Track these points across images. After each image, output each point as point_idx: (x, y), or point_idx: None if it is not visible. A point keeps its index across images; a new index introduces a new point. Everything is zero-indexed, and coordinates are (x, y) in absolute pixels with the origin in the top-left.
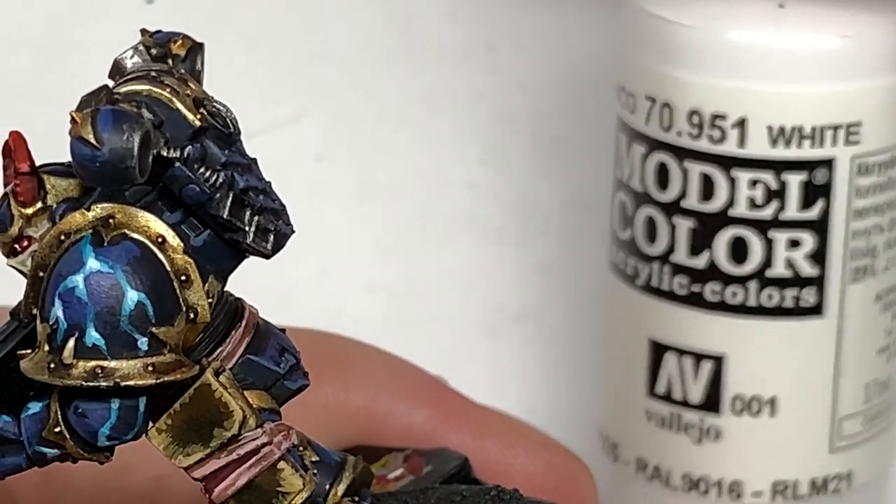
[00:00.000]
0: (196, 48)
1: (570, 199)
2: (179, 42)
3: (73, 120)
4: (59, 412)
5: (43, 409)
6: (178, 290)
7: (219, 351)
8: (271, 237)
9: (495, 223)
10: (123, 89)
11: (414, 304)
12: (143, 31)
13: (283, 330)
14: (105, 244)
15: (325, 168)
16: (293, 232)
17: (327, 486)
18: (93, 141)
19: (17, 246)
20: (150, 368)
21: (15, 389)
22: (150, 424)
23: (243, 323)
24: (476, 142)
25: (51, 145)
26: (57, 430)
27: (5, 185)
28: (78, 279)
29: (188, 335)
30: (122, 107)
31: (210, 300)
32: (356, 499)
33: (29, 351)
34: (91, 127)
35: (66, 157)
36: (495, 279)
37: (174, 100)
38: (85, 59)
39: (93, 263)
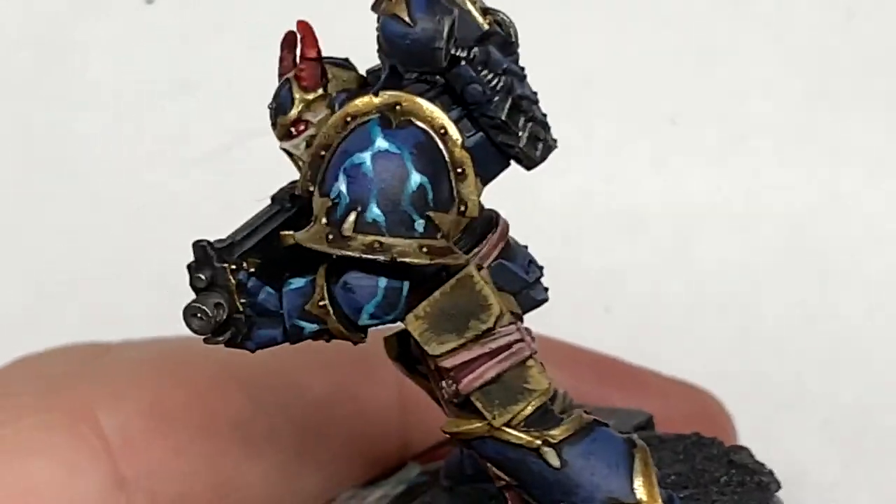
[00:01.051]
0: None
1: (571, 198)
2: None
3: (388, 0)
4: (325, 287)
5: (307, 283)
6: (453, 181)
7: (476, 250)
8: (540, 146)
9: None
10: None
11: None
12: None
13: (525, 246)
14: (393, 127)
15: None
16: (557, 146)
17: None
18: (406, 19)
19: (293, 129)
20: (424, 249)
21: (274, 266)
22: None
23: (499, 228)
24: None
25: (51, 145)
26: (321, 303)
27: (281, 76)
28: (365, 156)
29: (453, 227)
30: None
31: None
32: (587, 412)
33: (291, 232)
34: (405, 5)
35: (66, 156)
36: None
37: (466, 1)
38: (85, 59)
39: (381, 143)
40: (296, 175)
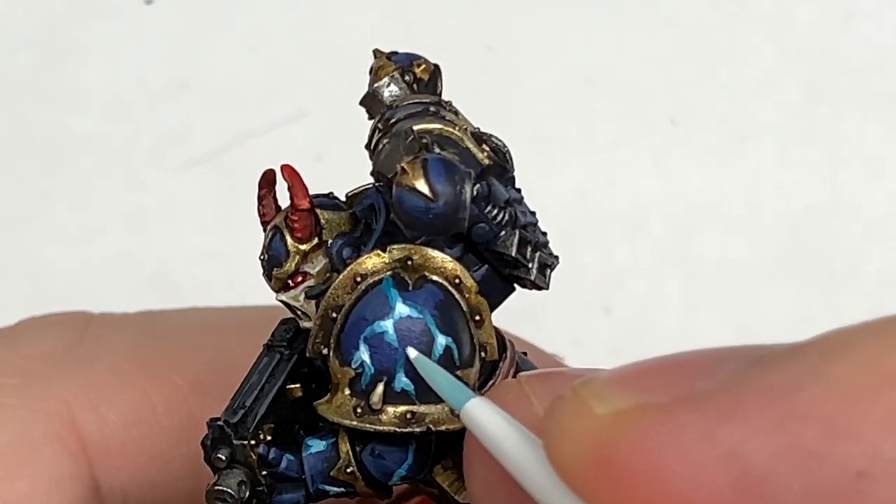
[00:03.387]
0: (436, 71)
1: (570, 198)
2: (423, 66)
3: (402, 170)
4: (350, 453)
5: (329, 447)
6: (472, 331)
7: (490, 383)
8: (548, 272)
9: None
10: (416, 127)
11: None
12: (377, 53)
13: (524, 353)
14: (410, 288)
15: (325, 168)
16: (558, 263)
17: None
18: (427, 193)
19: (290, 281)
20: (456, 412)
21: (285, 424)
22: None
23: (507, 354)
24: None
25: (50, 145)
26: (349, 470)
27: (263, 216)
28: (387, 325)
29: (477, 377)
30: (447, 155)
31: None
32: None
33: (297, 385)
34: (424, 178)
35: (66, 156)
36: None
37: (463, 138)
38: (85, 59)
39: (402, 308)
40: (286, 313)
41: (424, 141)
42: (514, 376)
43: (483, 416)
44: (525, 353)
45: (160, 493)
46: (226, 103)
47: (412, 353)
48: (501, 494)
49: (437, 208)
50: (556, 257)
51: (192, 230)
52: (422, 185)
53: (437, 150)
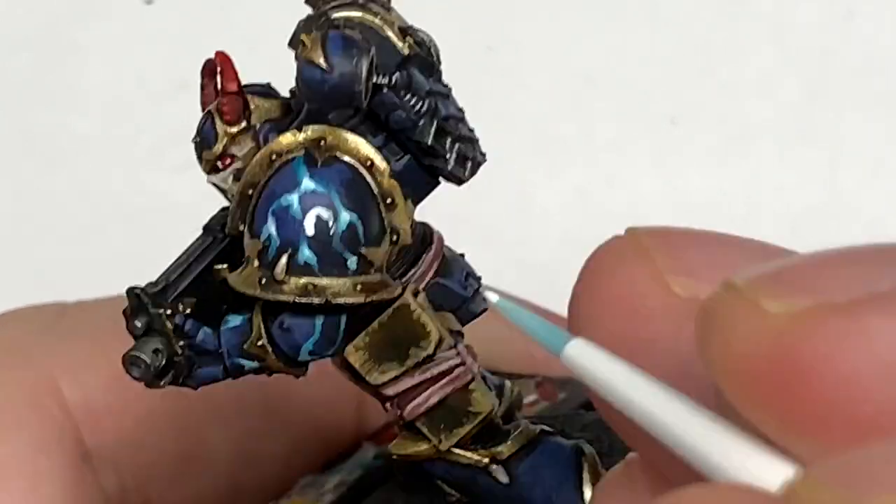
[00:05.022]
0: None
1: (570, 198)
2: None
3: (301, 43)
4: (262, 326)
5: (244, 322)
6: (383, 213)
7: (411, 273)
8: (468, 164)
9: (496, 223)
10: (336, 14)
11: None
12: None
13: (461, 255)
14: (319, 165)
15: None
16: (485, 160)
17: None
18: (323, 64)
19: (219, 163)
20: (358, 287)
21: (210, 302)
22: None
23: (433, 247)
24: None
25: (49, 145)
26: (259, 343)
27: (204, 104)
28: (293, 198)
29: (386, 258)
30: (349, 32)
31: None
32: (534, 422)
33: (225, 266)
34: (321, 51)
35: (66, 156)
36: (495, 279)
37: (384, 27)
38: (85, 59)
39: (308, 183)
40: (225, 202)
41: (336, 23)
42: (439, 270)
43: (590, 357)
44: (462, 255)
45: (150, 455)
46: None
47: (493, 297)
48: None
49: (332, 79)
50: (483, 154)
51: (192, 230)
52: (319, 57)
53: (346, 30)
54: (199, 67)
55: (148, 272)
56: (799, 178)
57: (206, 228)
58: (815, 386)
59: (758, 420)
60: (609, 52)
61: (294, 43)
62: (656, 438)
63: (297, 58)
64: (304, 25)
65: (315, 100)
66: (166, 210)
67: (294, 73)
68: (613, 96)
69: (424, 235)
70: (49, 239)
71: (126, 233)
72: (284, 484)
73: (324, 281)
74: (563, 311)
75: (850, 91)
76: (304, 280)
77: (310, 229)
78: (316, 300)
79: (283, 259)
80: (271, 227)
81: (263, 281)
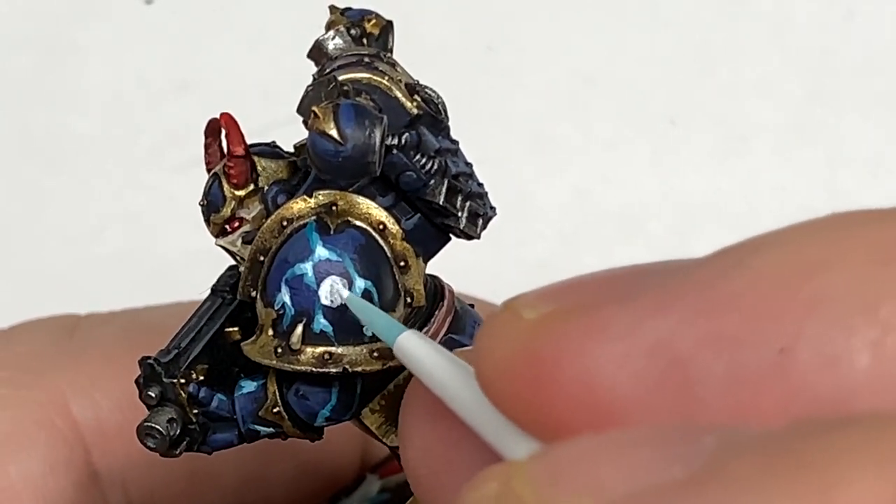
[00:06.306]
0: (388, 26)
1: (569, 198)
2: (374, 21)
3: (313, 114)
4: (277, 393)
5: (258, 388)
6: (397, 276)
7: (424, 331)
8: (480, 221)
9: (495, 223)
10: (343, 77)
11: None
12: (333, 9)
13: (472, 305)
14: (332, 232)
15: None
16: (496, 215)
17: None
18: (336, 137)
19: (227, 226)
20: (375, 354)
21: (222, 366)
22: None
23: (445, 303)
24: (476, 142)
25: (49, 145)
26: (275, 410)
27: (208, 164)
28: (306, 267)
29: (401, 322)
30: (361, 101)
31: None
32: None
33: (236, 328)
34: (333, 122)
35: (66, 156)
36: (494, 279)
37: (392, 88)
38: (85, 60)
39: (321, 251)
40: (232, 261)
41: (346, 88)
42: (451, 326)
43: (415, 347)
44: (472, 305)
45: (159, 475)
46: (226, 103)
47: (344, 293)
48: (436, 431)
49: (345, 151)
50: (493, 208)
51: (192, 230)
52: (331, 129)
53: (355, 97)
54: (199, 67)
55: (148, 272)
56: (798, 178)
57: (214, 290)
58: (558, 379)
59: (517, 418)
60: (609, 52)
61: (304, 112)
62: (462, 419)
63: (308, 128)
64: (313, 92)
65: (328, 172)
66: (166, 210)
67: (307, 142)
68: (612, 96)
69: (436, 291)
70: (49, 239)
71: (126, 233)
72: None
73: (340, 350)
74: None
75: (850, 91)
76: (320, 349)
77: (325, 298)
78: (333, 370)
79: (299, 329)
80: (285, 297)
81: (279, 350)
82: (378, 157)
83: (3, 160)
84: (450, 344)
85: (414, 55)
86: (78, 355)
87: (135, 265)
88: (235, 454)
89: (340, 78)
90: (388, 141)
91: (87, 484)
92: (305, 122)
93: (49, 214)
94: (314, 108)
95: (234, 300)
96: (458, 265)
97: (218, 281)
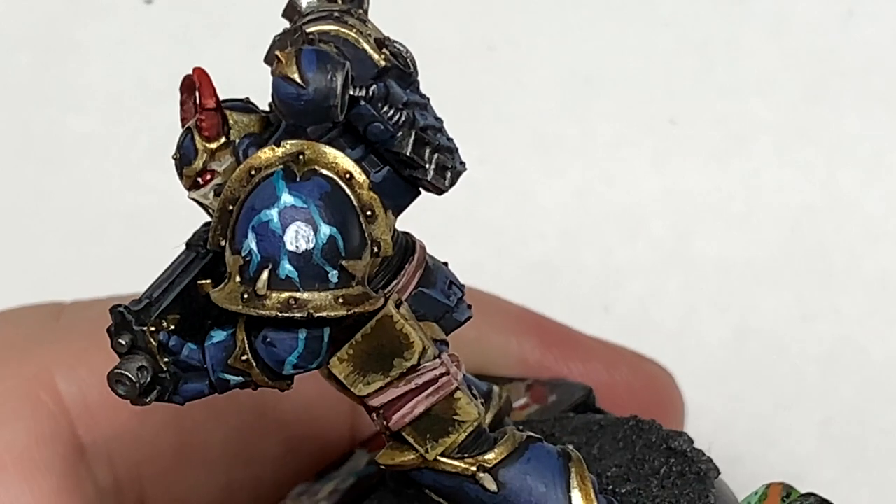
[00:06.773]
0: None
1: (570, 198)
2: None
3: (277, 59)
4: (246, 341)
5: (228, 337)
6: (363, 225)
7: (393, 284)
8: (448, 174)
9: (496, 223)
10: (312, 29)
11: None
12: None
13: (445, 263)
14: (298, 179)
15: None
16: (466, 169)
17: None
18: (298, 80)
19: (199, 179)
20: (340, 300)
21: (195, 317)
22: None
23: (415, 257)
24: (476, 142)
25: (49, 145)
26: (244, 358)
27: (183, 120)
28: (272, 213)
29: (368, 270)
30: (323, 47)
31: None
32: (521, 428)
33: (208, 281)
34: (296, 66)
35: (65, 155)
36: (495, 278)
37: (360, 40)
38: (85, 59)
39: (287, 198)
40: (208, 218)
41: (311, 37)
42: (422, 279)
43: None
44: (446, 263)
45: (144, 450)
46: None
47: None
48: None
49: (307, 95)
50: (463, 163)
51: (191, 230)
52: (293, 73)
53: (320, 45)
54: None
55: (147, 272)
56: (798, 177)
57: (189, 244)
58: None
59: None
60: (609, 52)
61: (269, 59)
62: None
63: (272, 74)
64: (280, 40)
65: (291, 115)
66: (166, 210)
67: (271, 87)
68: (613, 96)
69: (406, 245)
70: (49, 239)
71: (126, 233)
72: (278, 485)
73: (305, 295)
74: (562, 309)
75: (850, 91)
76: (285, 295)
77: (290, 244)
78: (298, 314)
79: (265, 274)
80: (252, 243)
81: (245, 296)
82: (340, 101)
83: (3, 159)
84: (420, 298)
85: (415, 55)
86: (63, 334)
87: (134, 265)
88: (223, 430)
89: (309, 30)
90: (356, 92)
91: (74, 457)
92: (270, 66)
93: (49, 214)
94: (277, 53)
95: (207, 254)
96: (458, 265)
97: (193, 235)
